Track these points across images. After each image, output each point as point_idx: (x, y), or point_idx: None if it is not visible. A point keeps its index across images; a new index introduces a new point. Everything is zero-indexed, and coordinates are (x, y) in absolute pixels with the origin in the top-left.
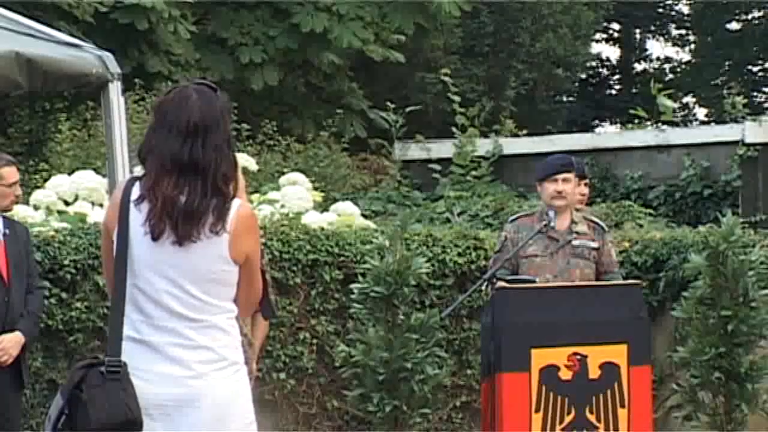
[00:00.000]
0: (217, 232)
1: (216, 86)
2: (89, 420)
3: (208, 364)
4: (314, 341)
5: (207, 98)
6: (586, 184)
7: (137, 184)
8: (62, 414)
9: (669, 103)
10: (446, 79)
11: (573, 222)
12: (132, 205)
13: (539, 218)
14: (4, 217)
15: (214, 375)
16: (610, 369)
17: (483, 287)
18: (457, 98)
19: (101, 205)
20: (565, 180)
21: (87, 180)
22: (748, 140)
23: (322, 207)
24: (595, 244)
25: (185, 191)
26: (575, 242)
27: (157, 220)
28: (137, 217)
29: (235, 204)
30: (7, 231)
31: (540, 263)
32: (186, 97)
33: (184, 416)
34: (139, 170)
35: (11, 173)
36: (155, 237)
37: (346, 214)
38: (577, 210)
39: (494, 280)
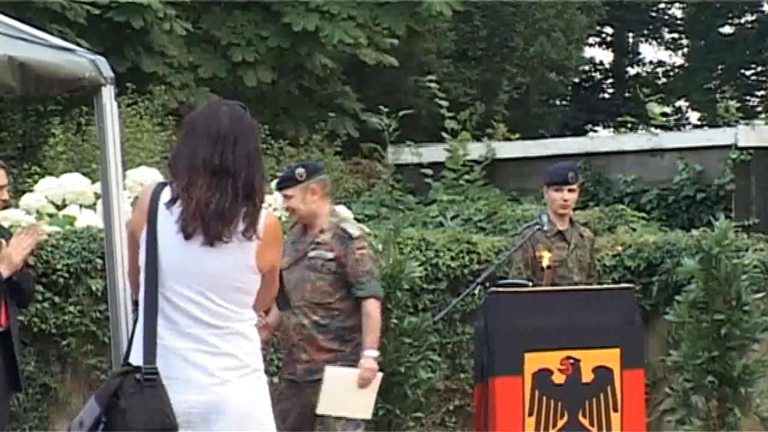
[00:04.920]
0: (249, 238)
1: (245, 106)
2: (128, 427)
3: (232, 371)
4: None
5: (236, 111)
6: (570, 190)
7: (167, 188)
8: (99, 422)
9: (657, 109)
10: (432, 85)
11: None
12: (163, 208)
13: None
14: None
15: (238, 382)
16: (603, 373)
17: (476, 291)
18: (445, 103)
19: (92, 207)
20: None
21: (73, 183)
22: (741, 144)
23: None
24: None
25: (217, 194)
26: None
27: (191, 219)
28: (168, 219)
29: (263, 213)
30: None
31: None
32: (216, 110)
33: (210, 423)
34: (130, 174)
35: None
36: (187, 236)
37: None
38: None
39: (487, 284)
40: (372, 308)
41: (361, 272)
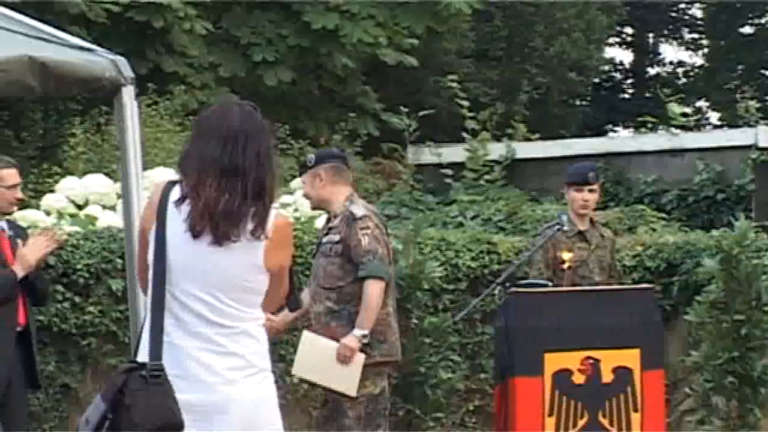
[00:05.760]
0: (258, 237)
1: (256, 106)
2: (134, 424)
3: (238, 371)
4: None
5: (247, 111)
6: (591, 191)
7: (176, 186)
8: (105, 418)
9: (677, 109)
10: (453, 84)
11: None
12: (172, 206)
13: None
14: (7, 221)
15: (244, 381)
16: (623, 373)
17: (496, 291)
18: (465, 103)
19: (112, 208)
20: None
21: (97, 184)
22: (761, 144)
23: None
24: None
25: (226, 193)
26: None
27: (199, 219)
28: (177, 217)
29: (273, 212)
30: (12, 233)
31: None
32: (226, 109)
33: (214, 422)
34: (148, 175)
35: (10, 175)
36: (195, 235)
37: None
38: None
39: (507, 284)
40: (369, 288)
41: (362, 252)
